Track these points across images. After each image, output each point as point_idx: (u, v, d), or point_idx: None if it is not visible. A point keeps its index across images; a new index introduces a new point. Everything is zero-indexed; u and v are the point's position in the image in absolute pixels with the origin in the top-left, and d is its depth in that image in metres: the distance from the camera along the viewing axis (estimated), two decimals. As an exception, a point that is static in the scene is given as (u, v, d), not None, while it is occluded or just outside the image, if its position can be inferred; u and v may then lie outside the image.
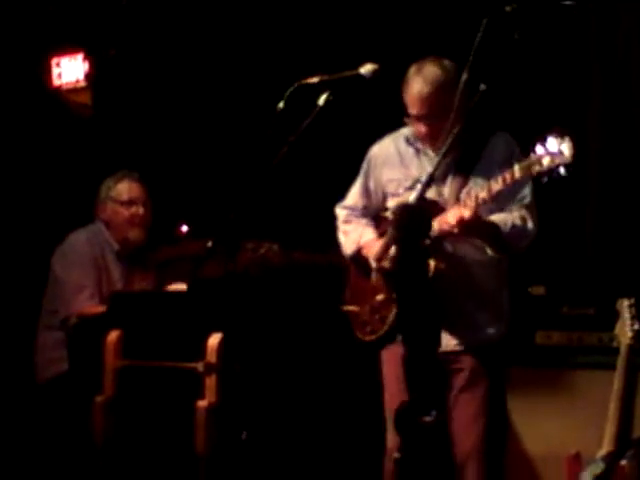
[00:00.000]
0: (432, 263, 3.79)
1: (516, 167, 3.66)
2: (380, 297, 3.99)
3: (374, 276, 4.05)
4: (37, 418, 4.82)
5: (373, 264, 4.06)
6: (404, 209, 3.28)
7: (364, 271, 4.11)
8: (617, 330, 3.98)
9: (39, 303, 5.02)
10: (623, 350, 3.90)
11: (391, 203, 4.08)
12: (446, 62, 3.95)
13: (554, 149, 3.56)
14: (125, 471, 4.20)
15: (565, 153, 3.54)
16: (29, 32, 5.93)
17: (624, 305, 3.98)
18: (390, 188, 4.10)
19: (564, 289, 4.87)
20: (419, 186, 3.39)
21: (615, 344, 4.00)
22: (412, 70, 3.96)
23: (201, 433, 3.98)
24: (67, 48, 6.06)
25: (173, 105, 5.95)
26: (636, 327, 3.92)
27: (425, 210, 3.36)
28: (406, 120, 4.02)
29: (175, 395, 4.12)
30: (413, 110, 3.95)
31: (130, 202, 5.03)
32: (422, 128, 3.98)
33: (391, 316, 3.93)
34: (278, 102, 4.00)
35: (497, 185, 3.72)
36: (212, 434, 3.97)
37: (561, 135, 3.59)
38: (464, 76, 3.51)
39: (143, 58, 5.99)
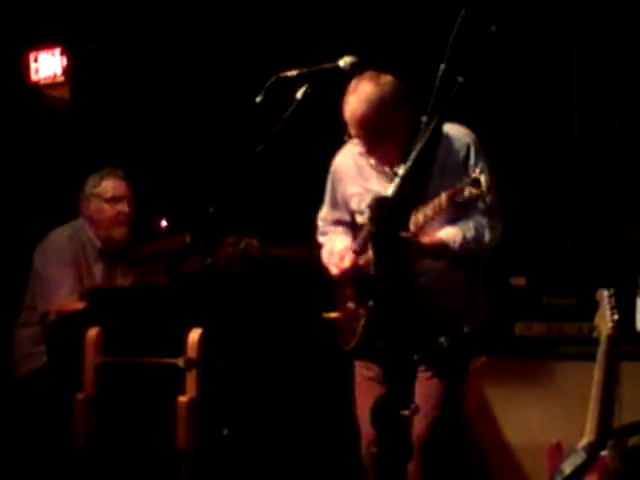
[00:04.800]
0: None
1: (443, 196, 3.59)
2: (351, 305, 3.92)
3: (347, 285, 3.97)
4: (17, 415, 4.80)
5: (334, 270, 3.96)
6: (380, 203, 3.26)
7: (337, 281, 4.03)
8: (597, 320, 3.99)
9: (20, 300, 5.00)
10: (603, 340, 3.91)
11: (360, 219, 3.97)
12: (384, 79, 3.83)
13: (474, 179, 3.54)
14: (107, 467, 4.19)
15: (482, 186, 3.51)
16: (6, 27, 5.89)
17: (604, 295, 3.99)
18: (353, 204, 4.01)
19: (544, 280, 4.88)
20: (396, 180, 3.37)
21: (595, 334, 4.01)
22: (349, 87, 3.86)
23: (182, 428, 3.97)
24: (44, 43, 6.02)
25: (152, 99, 5.93)
26: (616, 317, 3.93)
27: (402, 203, 3.34)
28: (347, 138, 3.96)
29: (156, 391, 4.12)
30: (351, 130, 3.88)
31: (115, 199, 5.00)
32: (363, 147, 3.90)
33: (359, 328, 3.85)
34: (256, 95, 3.98)
35: (430, 211, 3.64)
36: (193, 429, 3.97)
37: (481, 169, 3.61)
38: (442, 68, 3.49)
39: (121, 52, 5.96)
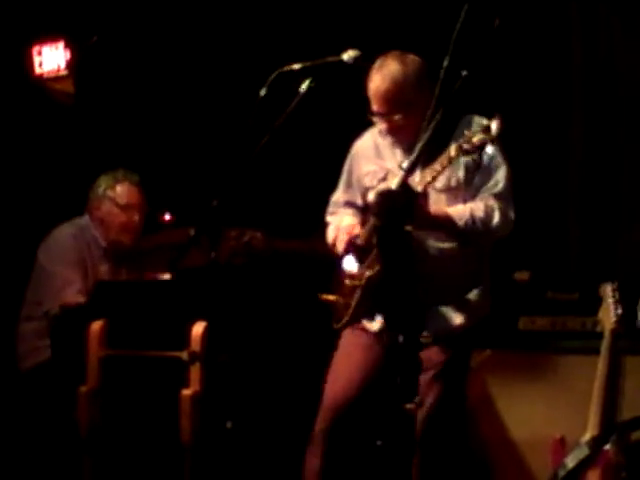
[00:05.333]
0: None
1: (452, 146, 3.58)
2: (348, 282, 3.94)
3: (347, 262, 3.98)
4: (21, 408, 4.80)
5: (340, 247, 3.98)
6: (384, 196, 3.26)
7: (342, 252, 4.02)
8: (600, 315, 3.99)
9: (22, 294, 4.99)
10: (607, 335, 3.91)
11: (371, 196, 3.98)
12: (410, 57, 3.89)
13: (483, 125, 3.53)
14: (110, 460, 4.19)
15: (492, 130, 3.50)
16: (10, 21, 5.89)
17: (607, 290, 3.99)
18: (366, 181, 4.05)
19: (548, 274, 4.88)
20: (401, 173, 3.37)
21: (598, 329, 4.01)
22: (375, 65, 3.90)
23: (186, 422, 3.98)
24: (48, 36, 6.03)
25: (156, 92, 5.93)
26: (619, 312, 3.93)
27: (406, 196, 3.34)
28: (369, 116, 3.97)
29: (160, 384, 4.12)
30: (374, 106, 3.91)
31: (128, 207, 4.98)
32: (382, 125, 3.93)
33: (353, 302, 3.89)
34: (260, 89, 3.98)
35: (438, 167, 3.61)
36: (197, 423, 3.97)
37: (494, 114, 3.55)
38: (445, 62, 3.49)
39: (125, 45, 5.96)
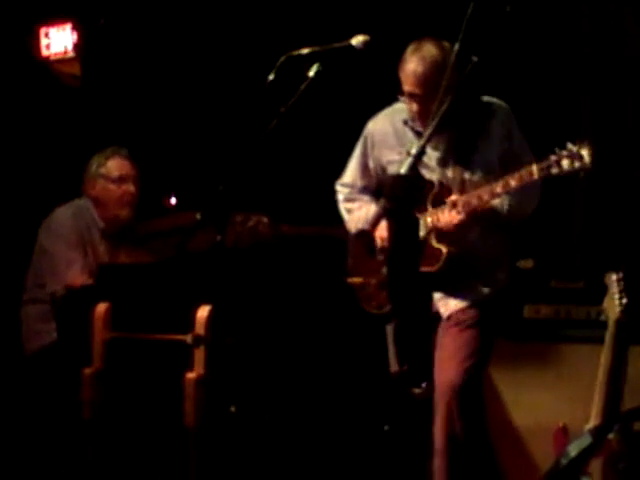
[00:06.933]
0: (444, 249, 3.83)
1: (534, 167, 3.68)
2: (385, 271, 3.97)
3: (379, 253, 4.06)
4: (26, 390, 4.81)
5: (379, 243, 4.06)
6: (395, 180, 3.27)
7: (369, 246, 4.11)
8: (605, 304, 3.98)
9: (22, 277, 4.99)
10: (611, 324, 3.90)
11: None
12: (445, 43, 3.93)
13: (573, 152, 3.56)
14: (113, 443, 4.20)
15: (585, 158, 3.54)
16: (17, 3, 5.88)
17: (612, 279, 3.98)
18: (390, 171, 4.06)
19: (553, 263, 4.88)
20: (410, 159, 3.38)
21: (603, 318, 4.01)
22: (410, 48, 3.96)
23: (190, 405, 3.97)
24: (55, 18, 6.01)
25: (163, 76, 5.92)
26: (624, 301, 3.92)
27: (416, 182, 3.36)
28: (400, 97, 4.00)
29: (164, 367, 4.12)
30: (407, 87, 3.95)
31: (121, 179, 4.99)
32: (414, 106, 3.97)
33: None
34: (268, 73, 3.97)
35: (514, 182, 3.73)
36: (201, 406, 3.97)
37: (581, 141, 3.61)
38: (455, 47, 3.50)
39: (132, 28, 5.95)
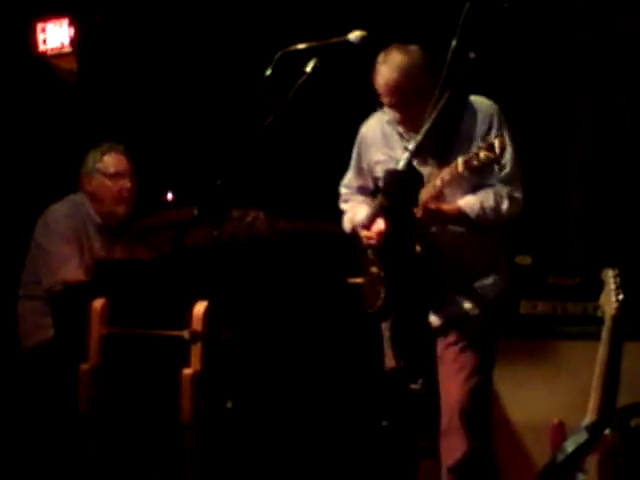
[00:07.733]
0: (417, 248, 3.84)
1: (459, 160, 3.69)
2: (374, 270, 4.02)
3: (369, 251, 4.08)
4: (23, 386, 4.81)
5: (364, 241, 4.07)
6: (392, 176, 3.28)
7: (358, 246, 4.14)
8: (602, 300, 3.98)
9: (19, 273, 4.99)
10: (608, 320, 3.90)
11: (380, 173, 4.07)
12: (412, 47, 3.92)
13: (489, 143, 3.61)
14: (110, 439, 4.20)
15: (495, 149, 3.58)
16: (14, -2, 5.89)
17: (609, 275, 3.98)
18: (377, 172, 4.08)
19: (549, 259, 4.88)
20: (406, 154, 3.39)
21: (599, 314, 4.00)
22: (378, 59, 3.95)
23: (186, 401, 3.98)
24: (52, 13, 6.01)
25: (160, 71, 5.92)
26: (621, 297, 3.92)
27: (413, 178, 3.36)
28: (378, 108, 4.03)
29: (160, 363, 4.12)
30: (384, 99, 3.96)
31: (117, 175, 4.97)
32: (395, 115, 3.98)
33: (383, 291, 3.95)
34: (265, 69, 3.97)
35: (447, 175, 3.75)
36: (197, 402, 3.98)
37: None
38: (453, 43, 3.50)
39: (129, 23, 5.94)
